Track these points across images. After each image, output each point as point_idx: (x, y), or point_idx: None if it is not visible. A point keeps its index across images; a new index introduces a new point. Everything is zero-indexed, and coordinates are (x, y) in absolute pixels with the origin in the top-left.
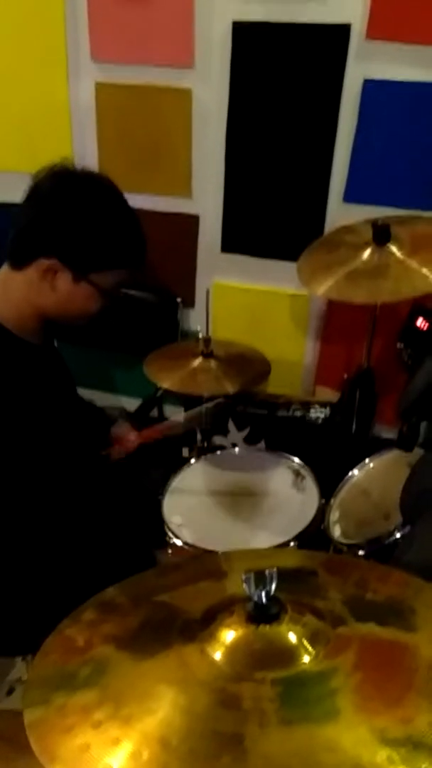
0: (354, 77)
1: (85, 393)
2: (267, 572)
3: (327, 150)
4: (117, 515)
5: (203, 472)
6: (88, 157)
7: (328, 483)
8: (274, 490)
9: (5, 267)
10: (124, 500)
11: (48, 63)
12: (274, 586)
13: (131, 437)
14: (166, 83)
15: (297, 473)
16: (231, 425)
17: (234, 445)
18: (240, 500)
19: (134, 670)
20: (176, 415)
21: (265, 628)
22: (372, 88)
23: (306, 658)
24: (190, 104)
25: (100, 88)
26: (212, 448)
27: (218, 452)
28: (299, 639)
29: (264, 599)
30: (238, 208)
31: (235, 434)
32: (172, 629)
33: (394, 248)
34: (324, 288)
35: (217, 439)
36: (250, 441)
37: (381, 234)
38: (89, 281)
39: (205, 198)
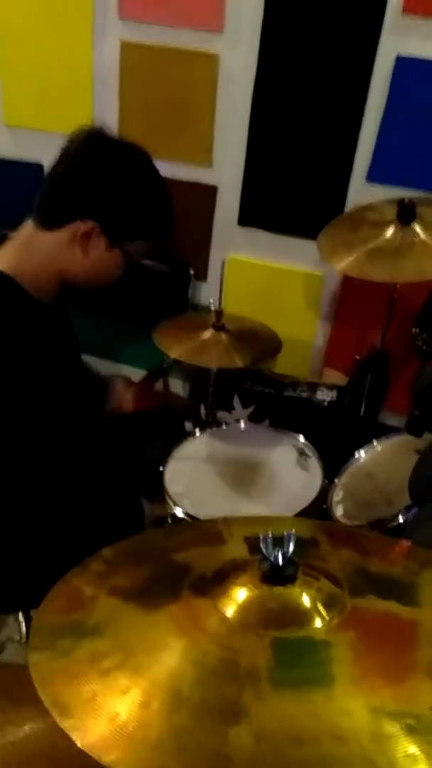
0: (387, 53)
1: (90, 361)
2: (285, 533)
3: (353, 126)
4: (113, 477)
5: (207, 445)
6: (108, 118)
7: (333, 465)
8: (278, 467)
9: (30, 225)
10: (122, 466)
11: (73, 18)
12: (291, 547)
13: (128, 400)
14: (193, 47)
15: (301, 452)
16: (236, 402)
17: (237, 422)
18: (242, 475)
19: (144, 621)
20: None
21: (280, 590)
22: (405, 65)
23: (318, 623)
24: (216, 70)
25: (125, 48)
26: (216, 424)
27: (223, 426)
28: (313, 602)
29: (280, 560)
30: (258, 181)
31: (240, 411)
32: (183, 584)
33: (418, 228)
34: (344, 264)
35: (222, 416)
36: (254, 419)
37: (406, 212)
38: (122, 249)
39: (225, 168)
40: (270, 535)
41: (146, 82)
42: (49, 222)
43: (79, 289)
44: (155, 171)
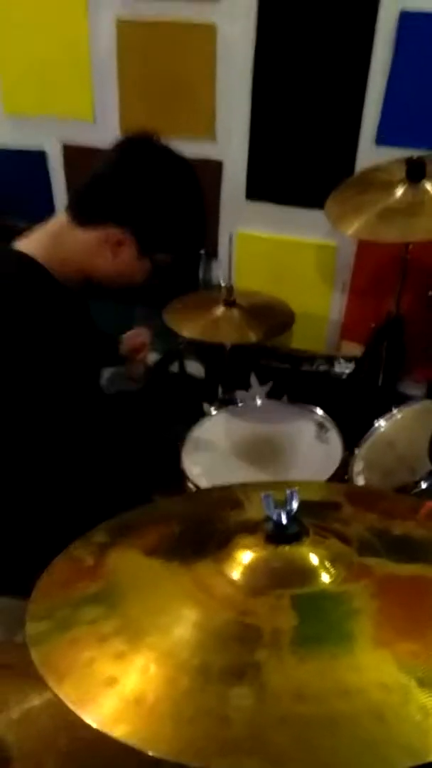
0: (390, 9)
1: None
2: (288, 491)
3: (359, 89)
4: (129, 461)
5: (225, 424)
6: (108, 98)
7: (353, 437)
8: (297, 441)
9: (63, 217)
10: (139, 448)
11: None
12: (295, 505)
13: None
14: (189, 18)
15: (320, 425)
16: (253, 379)
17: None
18: (262, 451)
19: (146, 587)
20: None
21: (285, 549)
22: (409, 21)
23: (325, 578)
24: (214, 41)
25: (121, 26)
26: (234, 403)
27: (240, 404)
28: (321, 560)
29: (284, 519)
30: (263, 153)
31: (257, 388)
32: (187, 549)
33: (429, 186)
34: (354, 228)
35: (239, 394)
36: (272, 396)
37: (416, 170)
38: (152, 259)
39: (230, 142)
40: (272, 494)
41: (144, 59)
42: (82, 220)
43: (100, 286)
44: (197, 187)
